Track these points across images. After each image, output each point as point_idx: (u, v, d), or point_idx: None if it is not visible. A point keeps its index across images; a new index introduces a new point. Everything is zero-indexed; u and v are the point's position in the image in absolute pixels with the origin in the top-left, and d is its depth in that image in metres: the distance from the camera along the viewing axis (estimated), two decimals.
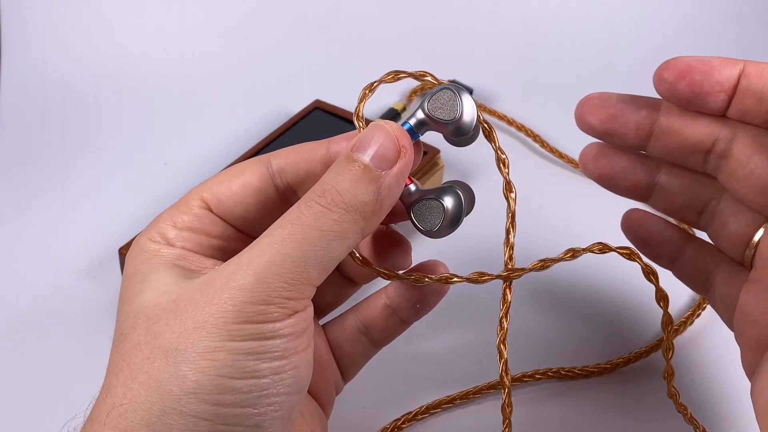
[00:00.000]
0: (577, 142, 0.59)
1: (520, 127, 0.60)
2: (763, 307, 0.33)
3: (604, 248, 0.33)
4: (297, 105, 0.59)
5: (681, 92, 0.33)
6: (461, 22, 0.70)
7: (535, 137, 0.59)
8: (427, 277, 0.33)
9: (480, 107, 0.32)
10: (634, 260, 0.34)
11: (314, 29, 0.69)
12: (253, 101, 0.62)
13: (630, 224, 0.38)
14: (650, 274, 0.34)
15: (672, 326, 0.34)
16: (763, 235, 0.34)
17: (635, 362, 0.44)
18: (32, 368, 0.43)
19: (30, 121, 0.60)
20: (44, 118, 0.60)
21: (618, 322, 0.46)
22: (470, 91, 0.63)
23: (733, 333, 0.36)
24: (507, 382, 0.33)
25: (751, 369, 0.34)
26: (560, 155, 0.58)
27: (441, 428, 0.41)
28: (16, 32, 0.63)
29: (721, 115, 0.34)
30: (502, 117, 0.61)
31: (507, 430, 0.34)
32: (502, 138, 0.60)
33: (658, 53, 0.69)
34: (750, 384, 0.34)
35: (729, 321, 0.36)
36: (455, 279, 0.33)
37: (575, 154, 0.58)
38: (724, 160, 0.34)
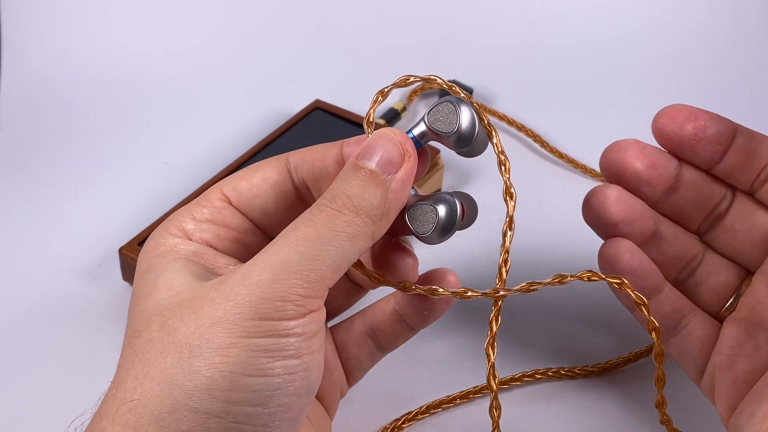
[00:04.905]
0: (577, 142, 0.60)
1: (520, 127, 0.60)
2: None
3: (593, 276, 0.33)
4: (297, 105, 0.59)
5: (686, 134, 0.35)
6: (461, 22, 0.70)
7: (535, 137, 0.59)
8: (415, 286, 0.33)
9: (480, 108, 0.32)
10: (624, 290, 0.33)
11: (314, 29, 0.69)
12: (253, 101, 0.62)
13: (611, 256, 0.36)
14: (641, 306, 0.33)
15: (664, 357, 0.34)
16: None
17: (635, 362, 0.44)
18: (32, 368, 0.43)
19: (30, 121, 0.60)
20: (44, 118, 0.60)
21: (618, 322, 0.46)
22: (470, 92, 0.63)
23: (699, 379, 0.37)
24: (494, 386, 0.33)
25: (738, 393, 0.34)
26: (560, 155, 0.58)
27: (441, 428, 0.41)
28: (16, 33, 0.63)
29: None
30: (502, 117, 0.61)
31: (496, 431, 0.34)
32: (502, 138, 0.60)
33: (659, 54, 0.69)
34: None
35: (696, 368, 0.37)
36: (441, 291, 0.33)
37: (575, 154, 0.58)
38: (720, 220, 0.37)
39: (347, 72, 0.66)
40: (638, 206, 0.36)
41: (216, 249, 0.32)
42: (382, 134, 0.31)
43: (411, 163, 0.31)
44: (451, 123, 0.31)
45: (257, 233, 0.34)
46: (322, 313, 0.30)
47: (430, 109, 0.32)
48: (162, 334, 0.28)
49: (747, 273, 0.37)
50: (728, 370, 0.35)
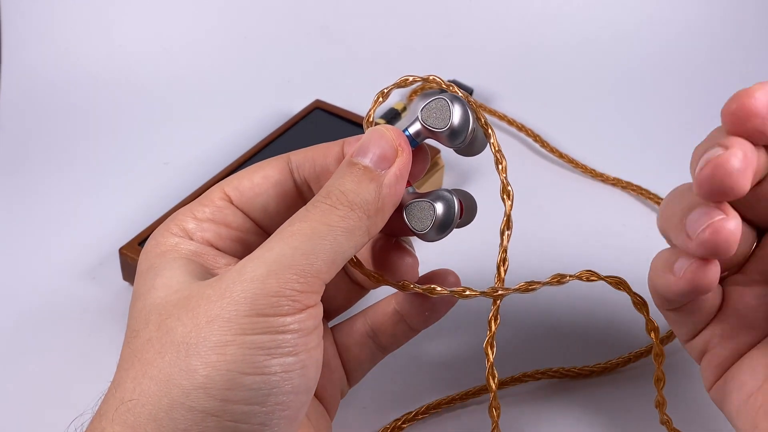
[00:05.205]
0: (577, 142, 0.60)
1: (521, 127, 0.60)
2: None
3: (591, 276, 0.33)
4: (297, 105, 0.59)
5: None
6: (461, 22, 0.70)
7: (535, 137, 0.59)
8: (413, 285, 0.33)
9: (480, 107, 0.32)
10: (622, 290, 0.33)
11: (314, 29, 0.69)
12: (253, 101, 0.62)
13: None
14: (640, 305, 0.33)
15: (663, 357, 0.34)
16: None
17: (635, 362, 0.44)
18: (32, 368, 0.43)
19: (30, 121, 0.60)
20: (44, 118, 0.60)
21: (618, 322, 0.46)
22: (470, 92, 0.63)
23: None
24: (494, 386, 0.33)
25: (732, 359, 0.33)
26: (560, 155, 0.58)
27: (441, 428, 0.41)
28: (16, 32, 0.63)
29: None
30: (502, 117, 0.61)
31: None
32: (502, 138, 0.60)
33: (659, 54, 0.69)
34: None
35: (692, 330, 0.34)
36: (439, 290, 0.33)
37: (575, 154, 0.58)
38: None
39: (347, 72, 0.66)
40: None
41: (217, 248, 0.33)
42: (376, 131, 0.31)
43: (404, 157, 0.31)
44: (444, 119, 0.31)
45: (259, 232, 0.34)
46: (319, 310, 0.30)
47: (424, 106, 0.32)
48: (160, 333, 0.28)
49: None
50: (730, 341, 0.34)
